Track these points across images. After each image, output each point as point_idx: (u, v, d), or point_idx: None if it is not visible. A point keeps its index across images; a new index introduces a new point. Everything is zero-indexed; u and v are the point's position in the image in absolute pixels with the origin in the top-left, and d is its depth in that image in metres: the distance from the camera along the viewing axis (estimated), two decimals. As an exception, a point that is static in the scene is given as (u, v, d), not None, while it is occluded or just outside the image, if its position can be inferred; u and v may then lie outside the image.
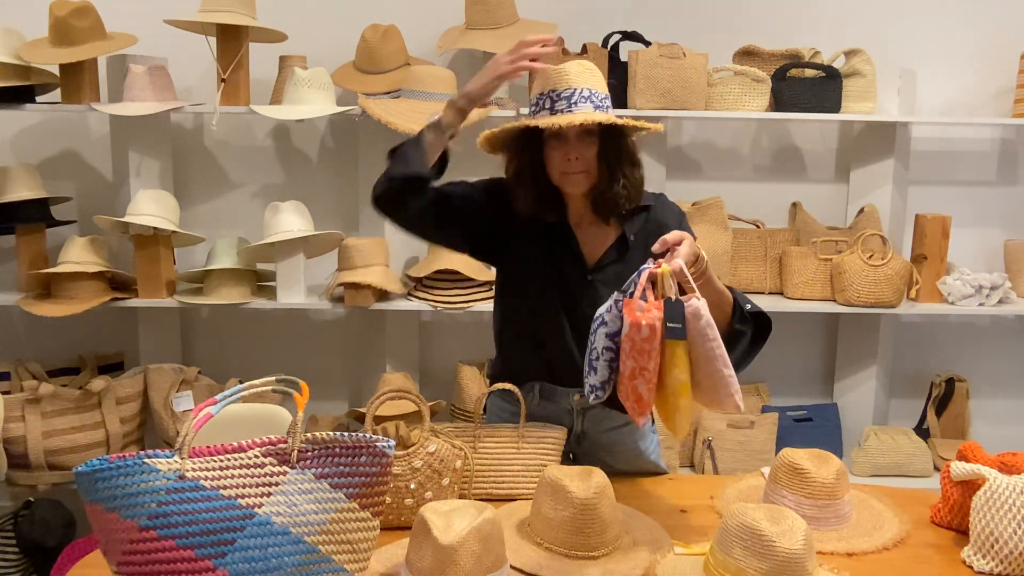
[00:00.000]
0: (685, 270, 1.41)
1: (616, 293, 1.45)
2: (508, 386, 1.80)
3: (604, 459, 1.86)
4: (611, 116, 1.69)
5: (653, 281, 1.38)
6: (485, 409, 1.96)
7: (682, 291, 1.42)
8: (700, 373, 1.41)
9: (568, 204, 1.82)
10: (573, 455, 1.93)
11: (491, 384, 1.87)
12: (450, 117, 1.80)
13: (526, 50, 1.72)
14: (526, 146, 1.78)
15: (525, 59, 1.72)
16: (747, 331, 1.65)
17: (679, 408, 1.39)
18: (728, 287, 1.65)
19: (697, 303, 1.39)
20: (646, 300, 1.36)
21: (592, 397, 1.49)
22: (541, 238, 1.83)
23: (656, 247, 1.47)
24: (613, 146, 1.75)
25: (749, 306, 1.66)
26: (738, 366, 1.49)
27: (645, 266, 1.42)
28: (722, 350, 1.41)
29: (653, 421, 2.01)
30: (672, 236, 1.48)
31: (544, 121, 1.68)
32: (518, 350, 1.91)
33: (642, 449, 1.93)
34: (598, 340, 1.45)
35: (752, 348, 1.66)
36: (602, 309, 1.47)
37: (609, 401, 1.57)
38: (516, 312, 1.90)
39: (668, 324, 1.35)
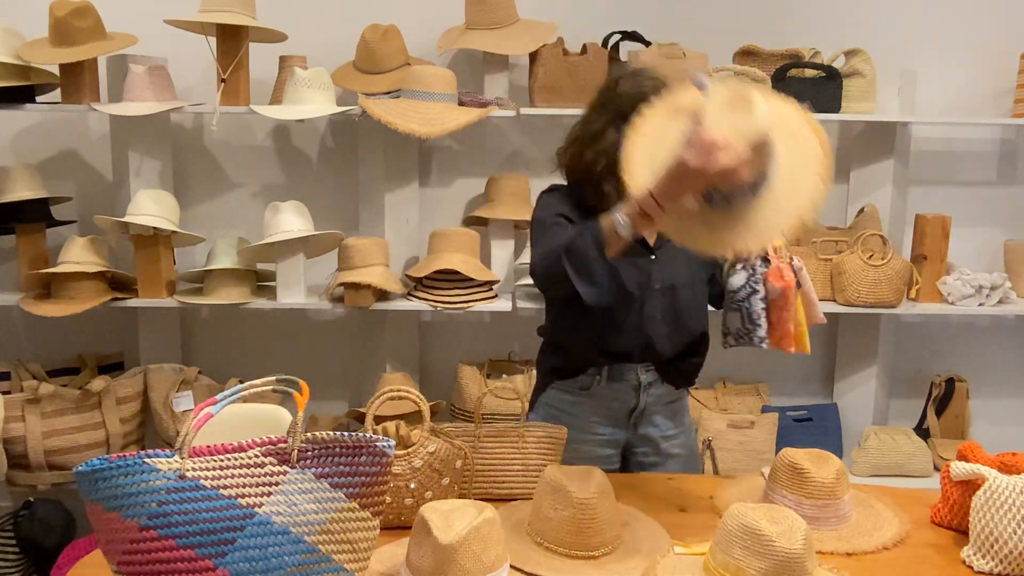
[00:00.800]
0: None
1: (759, 263, 1.83)
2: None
3: (655, 443, 2.00)
4: None
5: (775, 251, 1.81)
6: (532, 406, 2.02)
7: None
8: (804, 305, 1.84)
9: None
10: (624, 447, 2.01)
11: (548, 377, 1.97)
12: (641, 225, 1.56)
13: (719, 155, 1.40)
14: (614, 143, 1.73)
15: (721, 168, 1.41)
16: None
17: (805, 332, 1.83)
18: None
19: (799, 261, 1.85)
20: (781, 266, 1.81)
21: (764, 344, 1.81)
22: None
23: None
24: None
25: None
26: None
27: None
28: (811, 284, 1.86)
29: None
30: None
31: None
32: (585, 338, 1.92)
33: (686, 424, 2.07)
34: (755, 304, 1.80)
35: None
36: (741, 282, 1.81)
37: (666, 375, 1.97)
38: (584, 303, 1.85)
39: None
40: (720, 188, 1.46)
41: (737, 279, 1.84)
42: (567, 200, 1.87)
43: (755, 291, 1.82)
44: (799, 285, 1.83)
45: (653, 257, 1.90)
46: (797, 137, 1.52)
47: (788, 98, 1.55)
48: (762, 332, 1.82)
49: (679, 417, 2.05)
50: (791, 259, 1.85)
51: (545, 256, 1.72)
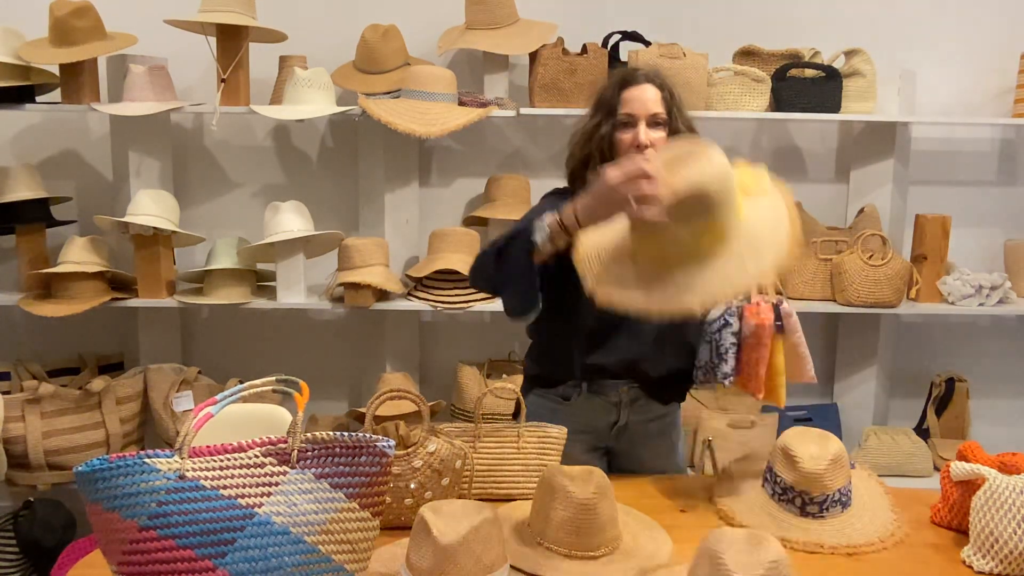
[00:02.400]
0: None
1: (735, 300, 1.75)
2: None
3: (639, 455, 1.92)
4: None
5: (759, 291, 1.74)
6: (516, 412, 1.98)
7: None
8: (789, 357, 1.78)
9: None
10: (608, 451, 1.97)
11: (530, 384, 1.94)
12: (560, 239, 1.62)
13: (642, 183, 1.45)
14: (594, 136, 1.79)
15: (640, 194, 1.45)
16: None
17: (781, 384, 1.76)
18: None
19: (788, 305, 1.77)
20: (759, 305, 1.73)
21: (727, 382, 1.75)
22: None
23: None
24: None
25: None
26: None
27: None
28: (803, 338, 1.78)
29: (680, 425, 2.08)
30: None
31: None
32: (567, 352, 1.90)
33: (674, 441, 2.01)
34: (725, 338, 1.73)
35: None
36: (718, 313, 1.74)
37: (653, 392, 1.93)
38: (573, 315, 1.86)
39: (776, 323, 1.73)
40: (636, 220, 1.49)
41: (715, 310, 1.78)
42: (560, 202, 1.84)
43: (727, 324, 1.75)
44: (780, 330, 1.75)
45: None
46: (765, 201, 1.59)
47: (761, 170, 1.63)
48: (727, 368, 1.75)
49: (666, 434, 2.00)
50: (778, 302, 1.77)
51: (481, 255, 1.76)
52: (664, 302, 1.55)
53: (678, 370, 1.93)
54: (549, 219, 1.60)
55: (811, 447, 1.68)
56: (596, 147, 1.79)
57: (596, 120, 1.81)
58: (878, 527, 1.65)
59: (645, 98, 1.77)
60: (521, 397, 1.83)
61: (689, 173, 1.46)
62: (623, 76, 1.82)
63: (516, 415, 2.04)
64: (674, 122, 1.79)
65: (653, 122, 1.77)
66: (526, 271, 1.65)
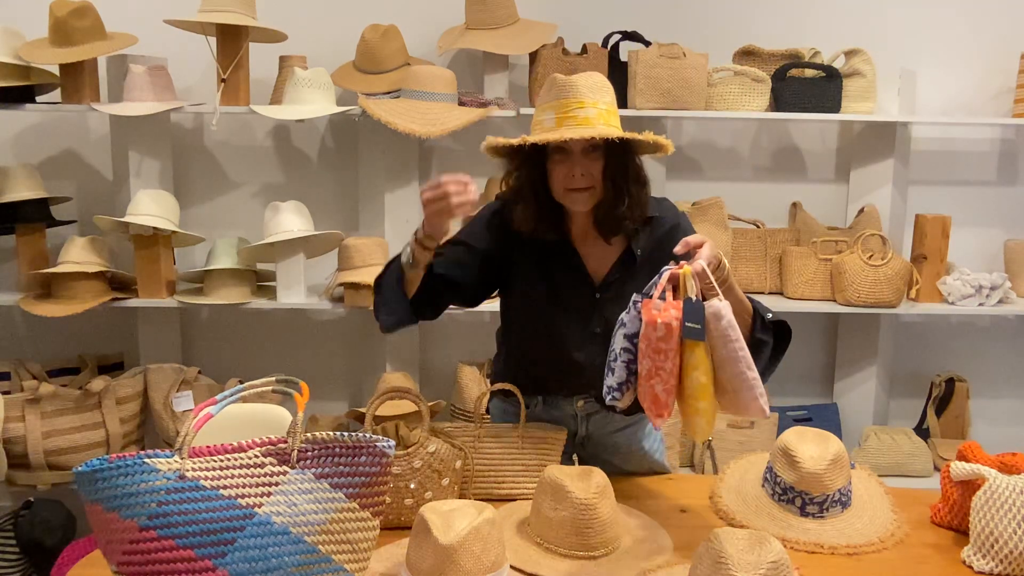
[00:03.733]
0: (708, 272, 1.41)
1: (636, 295, 1.45)
2: (509, 386, 1.80)
3: (609, 459, 1.87)
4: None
5: (675, 284, 1.38)
6: (488, 410, 1.96)
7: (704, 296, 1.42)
8: (723, 376, 1.39)
9: (571, 221, 1.77)
10: (578, 457, 1.92)
11: (493, 385, 1.86)
12: (420, 255, 1.71)
13: (449, 188, 1.59)
14: (527, 160, 1.70)
15: (448, 198, 1.59)
16: (769, 340, 1.64)
17: (699, 411, 1.38)
18: (748, 296, 1.64)
19: (719, 304, 1.38)
20: (664, 300, 1.35)
21: (609, 398, 1.47)
22: (544, 259, 1.79)
23: (679, 248, 1.46)
24: (619, 163, 1.68)
25: (770, 315, 1.65)
26: (761, 376, 1.45)
27: (667, 267, 1.42)
28: (745, 352, 1.39)
29: (658, 428, 2.01)
30: (695, 238, 1.48)
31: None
32: (522, 366, 1.88)
33: (646, 449, 1.94)
34: (616, 342, 1.44)
35: (774, 357, 1.66)
36: (624, 313, 1.47)
37: (614, 407, 1.59)
38: (524, 332, 1.86)
39: (687, 324, 1.34)
40: None
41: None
42: (492, 221, 1.82)
43: (622, 323, 1.43)
44: (697, 335, 1.33)
45: (597, 296, 1.78)
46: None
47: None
48: (611, 381, 1.42)
49: (634, 443, 1.91)
50: (700, 296, 1.38)
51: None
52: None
53: None
54: (410, 239, 1.70)
55: (811, 447, 1.68)
56: (526, 180, 1.75)
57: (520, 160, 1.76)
58: (878, 527, 1.65)
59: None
60: (521, 399, 1.81)
61: None
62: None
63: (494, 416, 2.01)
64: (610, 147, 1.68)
65: (588, 149, 1.66)
66: (395, 289, 1.75)
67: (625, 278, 1.76)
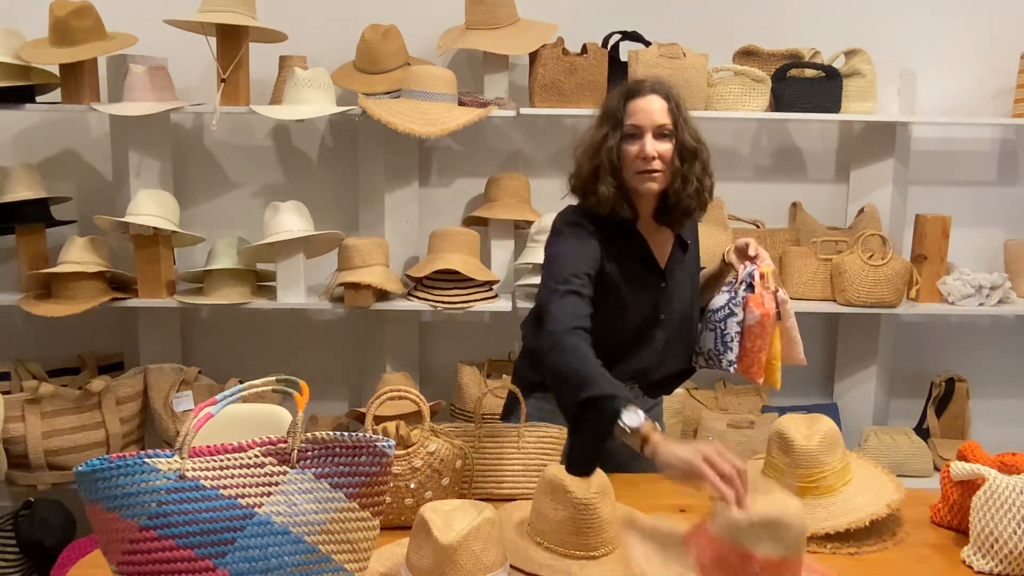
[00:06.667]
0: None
1: (731, 290, 1.84)
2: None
3: (616, 457, 1.88)
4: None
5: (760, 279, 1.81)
6: (505, 414, 2.00)
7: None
8: (783, 340, 1.88)
9: (637, 208, 1.84)
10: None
11: (530, 388, 1.89)
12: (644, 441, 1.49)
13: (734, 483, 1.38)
14: (601, 148, 1.79)
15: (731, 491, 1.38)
16: None
17: (777, 367, 1.85)
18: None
19: (783, 292, 1.84)
20: (764, 294, 1.80)
21: (731, 368, 1.83)
22: (613, 244, 1.82)
23: (751, 251, 1.85)
24: (689, 149, 1.78)
25: None
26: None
27: (752, 267, 1.83)
28: (795, 322, 1.88)
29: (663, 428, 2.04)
30: (747, 241, 1.86)
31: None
32: None
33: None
34: (730, 327, 1.81)
35: None
36: (722, 302, 1.83)
37: (649, 391, 1.98)
38: (594, 325, 1.80)
39: (776, 310, 1.81)
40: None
41: (719, 299, 1.85)
42: (582, 227, 1.80)
43: (733, 314, 1.82)
44: (779, 317, 1.83)
45: (664, 285, 1.88)
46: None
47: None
48: (732, 356, 1.83)
49: (659, 422, 2.03)
50: (776, 290, 1.84)
51: (558, 365, 1.58)
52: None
53: (679, 370, 1.97)
54: (640, 424, 1.46)
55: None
56: (605, 158, 1.79)
57: (603, 132, 1.81)
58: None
59: (651, 109, 1.76)
60: (521, 398, 1.82)
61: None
62: (628, 88, 1.82)
63: (504, 417, 2.04)
64: (680, 133, 1.78)
65: (659, 134, 1.77)
66: (599, 437, 1.51)
67: (679, 265, 1.91)
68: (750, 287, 1.82)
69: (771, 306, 1.80)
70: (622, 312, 1.84)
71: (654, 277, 1.87)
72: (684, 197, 1.79)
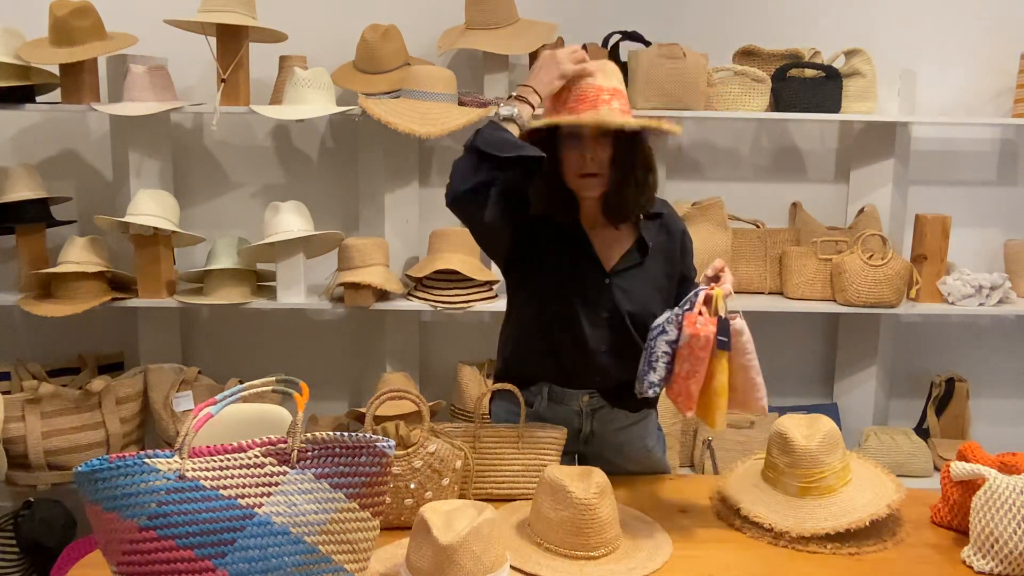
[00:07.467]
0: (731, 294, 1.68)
1: (675, 308, 1.69)
2: (509, 386, 1.80)
3: (611, 459, 1.87)
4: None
5: (706, 301, 1.65)
6: (490, 412, 1.96)
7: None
8: (736, 379, 1.67)
9: (581, 207, 1.82)
10: (579, 455, 1.92)
11: (497, 382, 1.86)
12: (527, 113, 1.73)
13: (585, 60, 1.71)
14: (541, 144, 1.72)
15: (584, 67, 1.71)
16: None
17: (719, 407, 1.65)
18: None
19: (741, 323, 1.66)
20: (703, 316, 1.64)
21: (651, 391, 1.67)
22: (557, 242, 1.82)
23: (710, 272, 1.70)
24: (629, 150, 1.75)
25: None
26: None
27: (702, 287, 1.68)
28: (756, 362, 1.68)
29: (660, 428, 2.03)
30: (720, 263, 1.70)
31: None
32: (529, 353, 1.88)
33: (649, 447, 1.95)
34: (659, 345, 1.67)
35: None
36: (660, 320, 1.68)
37: (618, 401, 1.86)
38: (532, 316, 1.86)
39: (719, 337, 1.62)
40: None
41: (660, 317, 1.70)
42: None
43: (664, 331, 1.68)
44: (724, 346, 1.63)
45: (607, 281, 1.81)
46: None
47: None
48: (654, 377, 1.66)
49: (638, 441, 1.93)
50: (729, 318, 1.65)
51: (455, 166, 1.70)
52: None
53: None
54: (511, 112, 1.70)
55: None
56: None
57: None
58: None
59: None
60: (521, 399, 1.80)
61: None
62: None
63: (490, 413, 2.01)
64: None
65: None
66: (506, 142, 1.65)
67: (638, 267, 1.84)
68: (690, 304, 1.67)
69: (707, 330, 1.61)
70: (562, 300, 1.80)
71: (595, 272, 1.81)
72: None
